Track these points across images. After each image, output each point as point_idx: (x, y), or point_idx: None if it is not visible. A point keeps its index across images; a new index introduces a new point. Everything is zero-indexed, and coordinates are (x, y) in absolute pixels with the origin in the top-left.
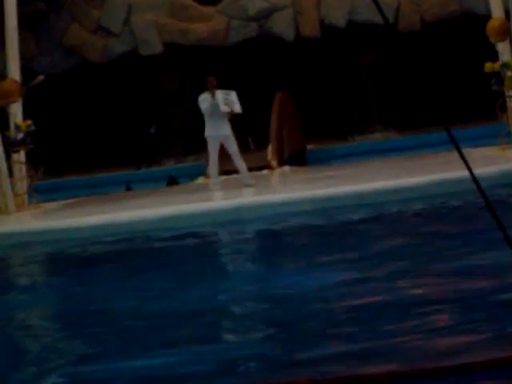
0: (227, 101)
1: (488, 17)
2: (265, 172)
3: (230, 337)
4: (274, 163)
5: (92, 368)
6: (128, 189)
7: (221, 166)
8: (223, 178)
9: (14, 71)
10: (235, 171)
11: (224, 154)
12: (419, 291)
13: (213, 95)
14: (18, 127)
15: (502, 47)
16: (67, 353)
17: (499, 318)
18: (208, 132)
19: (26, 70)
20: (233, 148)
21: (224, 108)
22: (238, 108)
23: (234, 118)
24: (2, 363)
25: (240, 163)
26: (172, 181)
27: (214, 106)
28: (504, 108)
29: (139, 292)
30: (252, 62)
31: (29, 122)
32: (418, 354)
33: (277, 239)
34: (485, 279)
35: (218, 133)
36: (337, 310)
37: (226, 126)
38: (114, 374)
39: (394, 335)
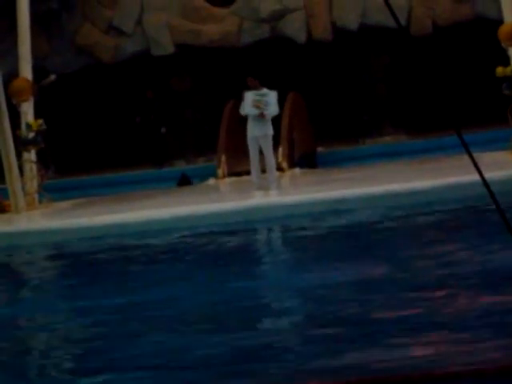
0: (258, 102)
1: (500, 21)
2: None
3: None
4: (284, 165)
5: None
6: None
7: (231, 167)
8: (233, 179)
9: (26, 70)
10: (247, 172)
11: (235, 155)
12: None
13: (243, 97)
14: (29, 126)
15: None
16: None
17: None
18: (247, 132)
19: (38, 68)
20: (264, 149)
21: (251, 110)
22: (271, 111)
23: (244, 120)
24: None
25: (270, 165)
26: (184, 180)
27: (243, 109)
28: None
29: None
30: (263, 64)
31: (40, 121)
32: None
33: (288, 241)
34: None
35: (253, 134)
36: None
37: (261, 127)
38: None
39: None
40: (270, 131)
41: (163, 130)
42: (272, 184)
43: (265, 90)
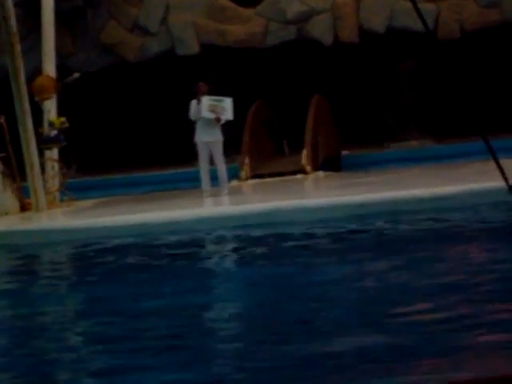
0: (214, 107)
1: None
2: (299, 176)
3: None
4: (308, 168)
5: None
6: None
7: (254, 169)
8: (256, 181)
9: (50, 68)
10: (270, 175)
11: (259, 157)
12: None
13: (199, 101)
14: (51, 124)
15: None
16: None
17: None
18: (195, 137)
19: (62, 67)
20: (217, 155)
21: (207, 114)
22: (226, 115)
23: (268, 122)
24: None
25: (221, 171)
26: None
27: (199, 112)
28: None
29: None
30: (289, 66)
31: (62, 119)
32: None
33: (309, 244)
34: None
35: (205, 139)
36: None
37: (213, 132)
38: None
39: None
40: (221, 137)
41: None
42: (224, 191)
43: (219, 97)
